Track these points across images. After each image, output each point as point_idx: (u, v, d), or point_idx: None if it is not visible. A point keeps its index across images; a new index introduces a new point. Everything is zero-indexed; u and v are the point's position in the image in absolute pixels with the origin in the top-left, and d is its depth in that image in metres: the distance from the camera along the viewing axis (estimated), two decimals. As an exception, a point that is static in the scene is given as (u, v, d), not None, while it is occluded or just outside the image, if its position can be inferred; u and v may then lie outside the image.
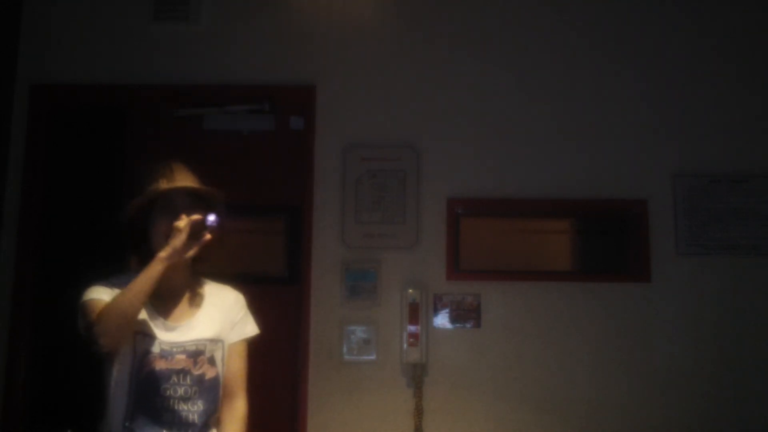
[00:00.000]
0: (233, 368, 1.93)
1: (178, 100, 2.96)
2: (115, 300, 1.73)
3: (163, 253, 1.75)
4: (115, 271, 1.89)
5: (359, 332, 2.74)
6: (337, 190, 2.83)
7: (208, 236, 1.79)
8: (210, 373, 1.86)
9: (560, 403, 2.69)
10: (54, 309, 2.86)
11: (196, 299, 1.92)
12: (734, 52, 2.91)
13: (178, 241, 1.75)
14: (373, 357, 2.73)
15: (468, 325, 2.75)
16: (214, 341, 1.89)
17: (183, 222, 1.76)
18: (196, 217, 1.78)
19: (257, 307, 2.04)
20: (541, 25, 2.94)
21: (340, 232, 2.80)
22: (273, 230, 3.03)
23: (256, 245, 3.02)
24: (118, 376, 1.80)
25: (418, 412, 2.67)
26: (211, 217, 1.80)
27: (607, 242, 2.95)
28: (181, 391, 1.81)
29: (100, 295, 1.79)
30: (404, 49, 2.93)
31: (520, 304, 2.76)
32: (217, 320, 1.92)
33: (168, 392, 1.80)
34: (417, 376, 2.70)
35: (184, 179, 1.88)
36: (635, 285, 2.77)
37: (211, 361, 1.87)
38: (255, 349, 2.02)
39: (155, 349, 1.81)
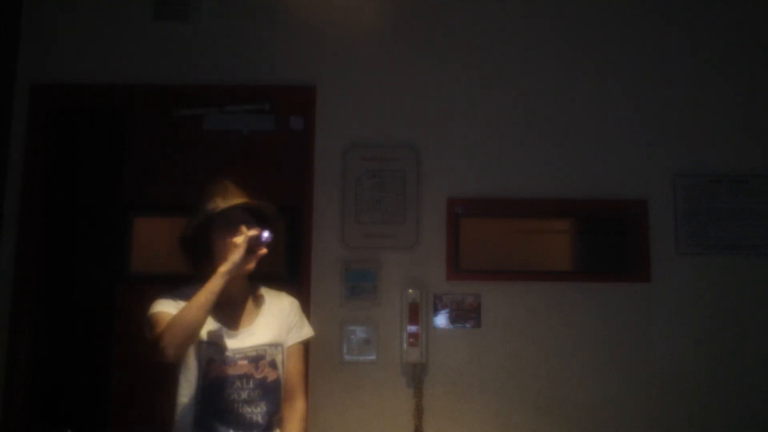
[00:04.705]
0: (292, 370, 2.06)
1: (178, 100, 2.96)
2: (179, 314, 1.83)
3: (223, 268, 1.88)
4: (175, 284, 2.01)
5: (359, 332, 2.74)
6: (337, 190, 2.83)
7: (263, 250, 1.95)
8: (271, 376, 1.98)
9: (560, 402, 2.69)
10: (54, 309, 2.87)
11: (254, 307, 2.05)
12: (734, 52, 2.91)
13: (237, 255, 1.88)
14: (373, 357, 2.73)
15: (468, 325, 2.75)
16: (274, 345, 2.02)
17: (240, 238, 1.90)
18: (252, 233, 1.92)
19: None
20: (540, 25, 2.94)
21: (340, 232, 2.80)
22: (273, 230, 3.02)
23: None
24: (185, 383, 1.92)
25: (418, 412, 2.67)
26: (266, 234, 1.95)
27: (606, 242, 2.95)
28: (244, 394, 1.93)
29: (166, 308, 1.92)
30: (405, 49, 2.93)
31: (520, 304, 2.76)
32: (274, 325, 2.05)
33: (232, 396, 1.92)
34: (417, 376, 2.70)
35: (238, 196, 2.02)
36: (635, 285, 2.77)
37: (272, 365, 1.99)
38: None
39: (218, 356, 1.93)
